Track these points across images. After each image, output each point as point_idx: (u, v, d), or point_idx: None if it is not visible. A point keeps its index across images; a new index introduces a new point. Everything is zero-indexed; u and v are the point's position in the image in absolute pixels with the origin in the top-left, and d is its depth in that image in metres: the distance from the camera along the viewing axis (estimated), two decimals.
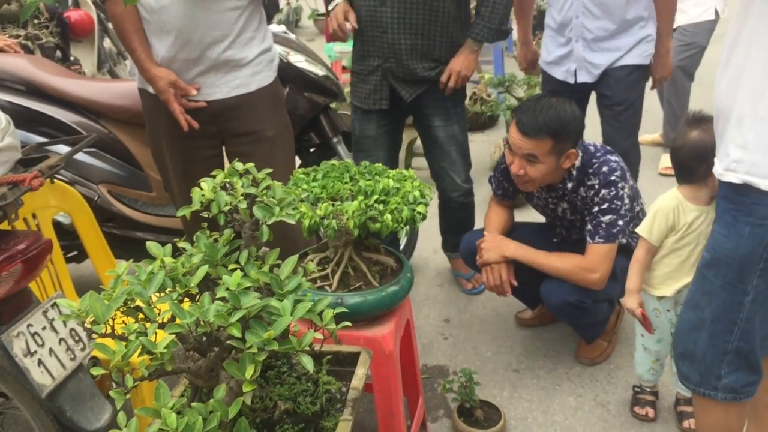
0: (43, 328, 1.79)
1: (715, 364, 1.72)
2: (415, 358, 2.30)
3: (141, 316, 1.28)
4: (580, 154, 2.43)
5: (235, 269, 1.34)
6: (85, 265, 3.18)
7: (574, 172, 2.44)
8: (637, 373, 2.43)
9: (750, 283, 1.61)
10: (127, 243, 3.10)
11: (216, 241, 1.45)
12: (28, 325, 1.76)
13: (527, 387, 2.60)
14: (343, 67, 7.29)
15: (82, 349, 1.87)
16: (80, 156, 3.02)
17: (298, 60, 3.09)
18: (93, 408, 1.83)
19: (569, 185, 2.46)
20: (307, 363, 1.21)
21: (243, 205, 1.39)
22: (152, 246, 1.40)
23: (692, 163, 2.11)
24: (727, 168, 1.57)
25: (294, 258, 1.37)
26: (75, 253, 3.07)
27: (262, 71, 2.49)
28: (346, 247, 2.04)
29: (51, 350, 1.79)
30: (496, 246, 2.54)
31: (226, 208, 1.39)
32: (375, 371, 2.01)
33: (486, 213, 2.77)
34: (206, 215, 1.46)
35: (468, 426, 2.34)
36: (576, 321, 2.61)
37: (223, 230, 1.47)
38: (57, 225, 2.90)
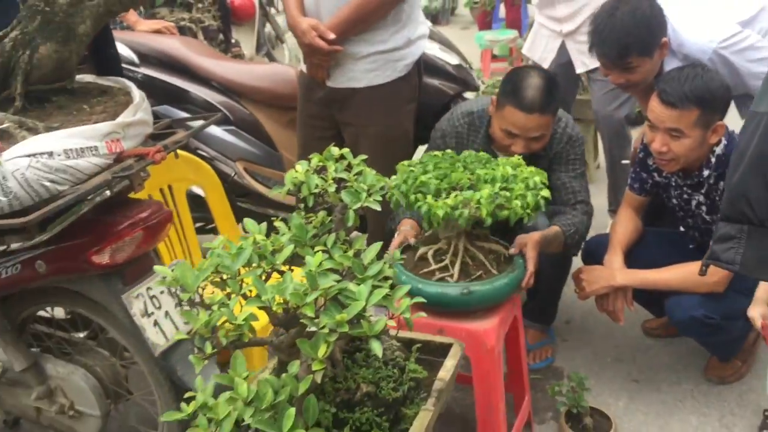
0: (161, 292, 1.92)
1: None
2: (522, 356, 2.24)
3: (220, 295, 1.32)
4: (725, 141, 2.24)
5: (321, 251, 1.36)
6: None
7: (713, 159, 2.25)
8: None
9: None
10: (258, 218, 3.23)
11: (311, 222, 1.48)
12: (148, 288, 1.89)
13: (645, 400, 2.45)
14: (494, 56, 7.20)
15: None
16: (221, 134, 3.19)
17: (430, 48, 3.07)
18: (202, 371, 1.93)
19: (705, 173, 2.27)
20: (377, 348, 1.21)
21: (332, 189, 1.41)
22: (248, 222, 1.46)
23: None
24: None
25: (378, 244, 1.36)
26: (214, 225, 3.25)
27: (377, 70, 2.49)
28: (459, 238, 2.01)
29: (167, 313, 1.91)
30: (597, 277, 2.38)
31: (316, 191, 1.41)
32: (475, 366, 1.97)
33: (614, 220, 2.62)
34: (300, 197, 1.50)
35: None
36: (705, 339, 2.42)
37: (318, 212, 1.50)
38: (195, 197, 3.09)
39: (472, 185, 1.91)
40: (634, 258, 2.48)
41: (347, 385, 1.47)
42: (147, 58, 3.27)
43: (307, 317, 1.21)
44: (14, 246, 1.79)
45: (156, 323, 1.88)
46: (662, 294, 2.38)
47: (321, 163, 1.48)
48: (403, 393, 1.49)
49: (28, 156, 1.58)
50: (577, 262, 2.56)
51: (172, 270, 1.34)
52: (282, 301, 1.24)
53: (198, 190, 3.03)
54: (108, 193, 1.84)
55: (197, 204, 3.11)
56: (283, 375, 1.23)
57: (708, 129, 2.18)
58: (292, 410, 1.17)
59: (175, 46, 3.29)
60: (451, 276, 1.96)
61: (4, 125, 1.62)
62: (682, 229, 2.60)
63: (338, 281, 1.27)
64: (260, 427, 1.15)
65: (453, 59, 3.11)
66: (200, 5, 5.73)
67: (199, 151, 3.16)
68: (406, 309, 1.27)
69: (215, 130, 3.17)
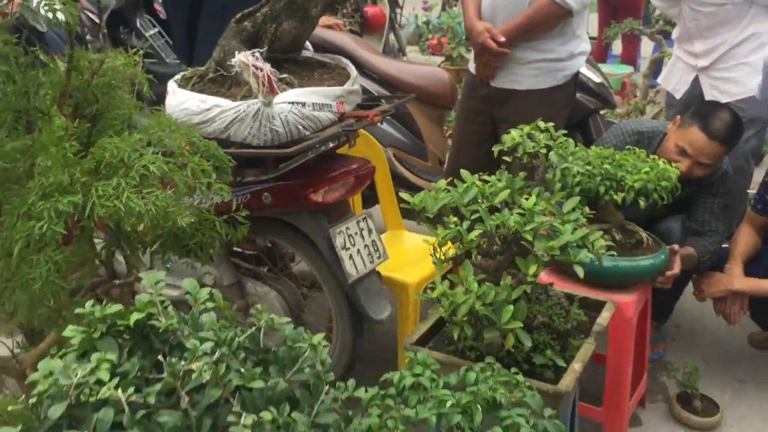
0: (355, 233, 2.31)
1: None
2: (646, 337, 2.52)
3: (454, 219, 1.69)
4: None
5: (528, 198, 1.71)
6: None
7: None
8: None
9: None
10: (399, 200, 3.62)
11: None
12: (346, 228, 2.28)
13: (750, 396, 2.69)
14: None
15: (378, 258, 2.36)
16: None
17: None
18: (379, 303, 2.31)
19: None
20: (579, 271, 1.55)
21: (543, 151, 1.76)
22: (465, 174, 1.82)
23: None
24: None
25: (576, 198, 1.70)
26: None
27: (539, 76, 2.82)
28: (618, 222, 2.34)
29: (358, 251, 2.30)
30: (717, 282, 2.66)
31: (531, 151, 1.77)
32: (612, 333, 2.28)
33: (735, 235, 2.88)
34: (508, 159, 1.86)
35: (685, 412, 2.52)
36: None
37: (518, 171, 1.85)
38: None
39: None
40: (750, 271, 2.74)
41: (526, 314, 1.81)
42: (318, 48, 3.71)
43: (527, 240, 1.56)
44: (249, 178, 2.23)
45: (351, 257, 2.26)
46: None
47: (530, 131, 1.83)
48: (571, 326, 1.82)
49: (290, 103, 1.99)
50: None
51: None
52: (503, 227, 1.60)
53: None
54: (331, 144, 2.26)
55: None
56: (501, 283, 1.58)
57: None
58: (510, 307, 1.52)
59: (346, 40, 3.73)
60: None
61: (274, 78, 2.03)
62: None
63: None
64: (487, 314, 1.50)
65: (596, 77, 3.44)
66: (345, 11, 6.23)
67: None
68: (600, 247, 1.60)
69: None
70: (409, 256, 2.84)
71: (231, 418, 0.72)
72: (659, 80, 3.84)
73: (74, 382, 0.71)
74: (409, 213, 3.20)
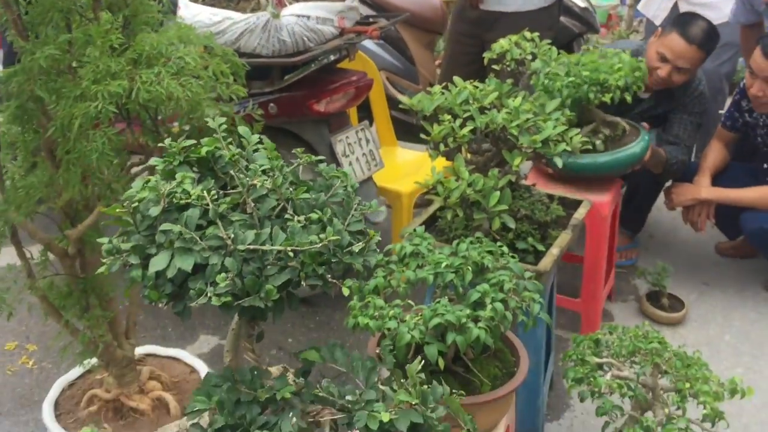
0: (354, 142, 2.50)
1: None
2: (615, 238, 2.76)
3: (448, 117, 1.88)
4: None
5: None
6: None
7: None
8: None
9: None
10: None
11: None
12: (346, 137, 2.47)
13: (713, 297, 2.95)
14: None
15: (375, 165, 2.55)
16: (372, 46, 3.73)
17: None
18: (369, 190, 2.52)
19: None
20: (558, 162, 1.75)
21: (529, 58, 1.95)
22: (457, 80, 2.00)
23: None
24: None
25: (557, 100, 1.90)
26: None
27: None
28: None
29: (357, 158, 2.49)
30: (686, 191, 2.88)
31: (518, 57, 1.95)
32: (590, 230, 2.50)
33: (705, 150, 3.09)
34: (496, 67, 2.04)
35: (653, 308, 2.77)
36: None
37: (506, 78, 2.04)
38: None
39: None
40: (718, 183, 2.96)
41: (511, 209, 2.02)
42: None
43: (512, 135, 1.75)
44: (255, 90, 2.39)
45: (350, 164, 2.46)
46: (737, 215, 2.85)
47: (517, 41, 2.01)
48: (551, 219, 2.03)
49: (296, 16, 2.15)
50: None
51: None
52: (492, 124, 1.79)
53: None
54: (332, 57, 2.42)
55: None
56: (489, 173, 1.78)
57: None
58: (497, 193, 1.73)
59: None
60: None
61: None
62: (765, 166, 3.06)
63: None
64: (478, 199, 1.71)
65: (581, 2, 3.59)
66: None
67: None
68: (577, 141, 1.80)
69: (368, 42, 3.72)
70: (402, 169, 3.05)
71: (287, 216, 0.93)
72: (639, 7, 4.00)
73: (166, 190, 0.91)
74: (402, 133, 3.40)
